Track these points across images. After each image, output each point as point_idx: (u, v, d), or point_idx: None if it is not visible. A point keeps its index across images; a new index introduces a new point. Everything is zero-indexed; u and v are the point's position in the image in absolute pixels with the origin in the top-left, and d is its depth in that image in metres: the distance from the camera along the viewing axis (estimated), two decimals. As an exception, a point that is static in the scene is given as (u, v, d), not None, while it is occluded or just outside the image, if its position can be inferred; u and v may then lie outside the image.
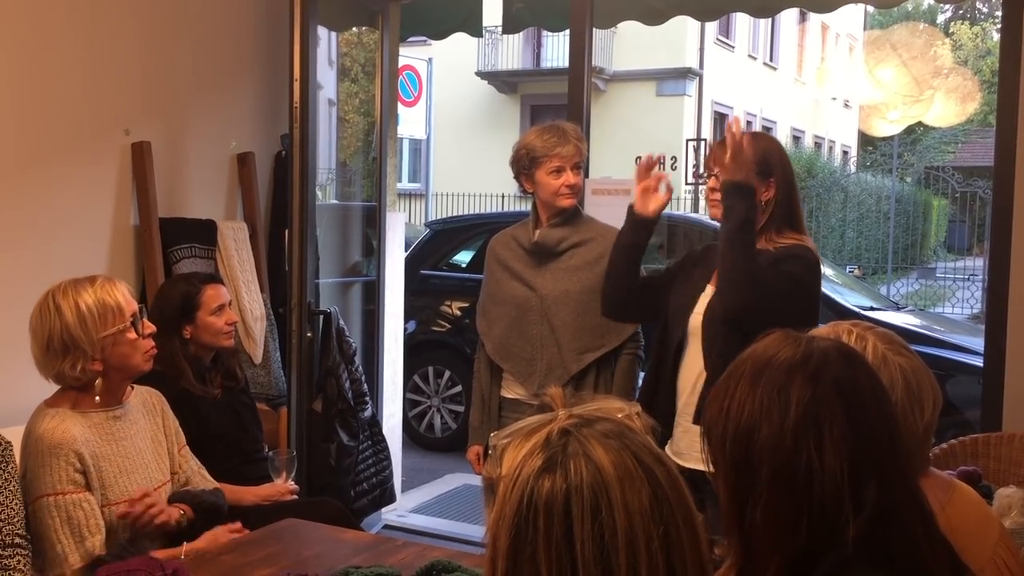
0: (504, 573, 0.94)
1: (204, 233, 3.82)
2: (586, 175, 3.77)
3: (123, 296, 2.42)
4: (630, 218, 2.62)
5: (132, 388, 2.56)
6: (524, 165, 2.89)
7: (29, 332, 2.39)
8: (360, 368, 4.16)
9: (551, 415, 1.00)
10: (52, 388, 2.44)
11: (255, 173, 4.10)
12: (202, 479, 2.68)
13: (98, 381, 2.39)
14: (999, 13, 3.24)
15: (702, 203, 2.74)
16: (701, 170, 2.63)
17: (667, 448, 2.52)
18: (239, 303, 3.80)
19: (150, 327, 2.48)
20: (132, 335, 2.41)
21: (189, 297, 2.98)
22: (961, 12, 29.90)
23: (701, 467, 1.29)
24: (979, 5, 29.35)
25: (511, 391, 2.94)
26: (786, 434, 1.16)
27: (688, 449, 2.44)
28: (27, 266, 3.16)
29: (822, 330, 1.53)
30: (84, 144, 3.45)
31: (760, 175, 2.46)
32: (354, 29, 6.29)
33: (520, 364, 2.89)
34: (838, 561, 1.13)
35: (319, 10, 4.02)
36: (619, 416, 1.01)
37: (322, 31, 4.60)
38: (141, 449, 2.50)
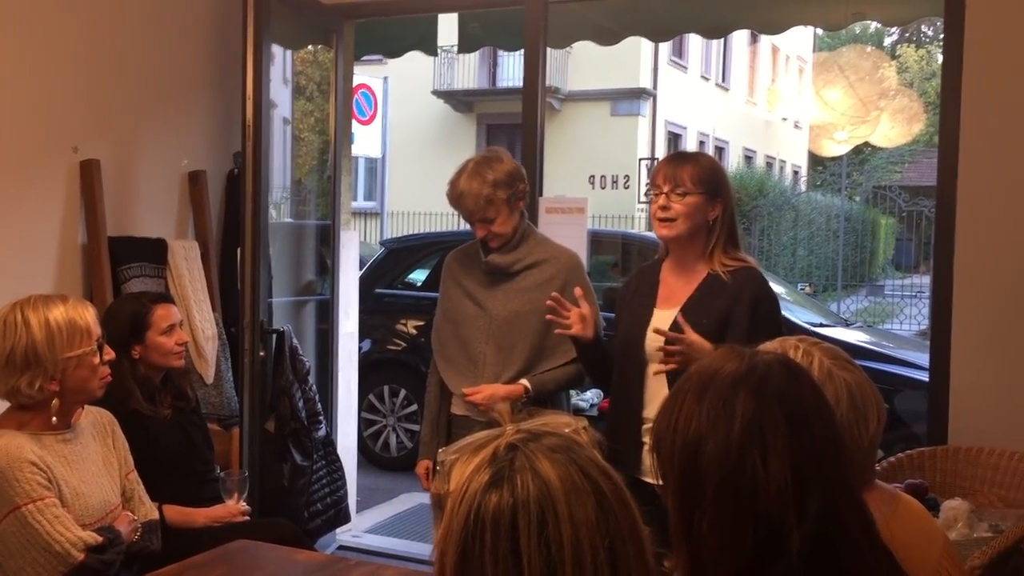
0: (452, 588, 0.94)
1: (154, 252, 3.78)
2: (540, 193, 3.80)
3: (92, 319, 2.39)
4: (576, 344, 2.66)
5: (83, 409, 2.52)
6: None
7: None
8: (314, 387, 4.13)
9: (499, 430, 1.00)
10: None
11: (207, 191, 4.06)
12: (143, 512, 2.60)
13: (55, 402, 2.34)
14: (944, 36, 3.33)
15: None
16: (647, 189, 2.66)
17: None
18: (190, 323, 3.75)
19: (110, 354, 2.46)
20: (95, 360, 2.38)
21: (139, 317, 2.94)
22: (907, 35, 30.64)
23: None
24: (924, 28, 30.07)
25: (460, 408, 2.93)
26: (731, 446, 1.18)
27: (653, 467, 2.46)
28: (-29, 285, 3.10)
29: (769, 345, 1.56)
30: (31, 162, 3.40)
31: (708, 195, 2.51)
32: (309, 47, 6.28)
33: (464, 383, 2.88)
34: (783, 572, 1.15)
35: (272, 28, 4.01)
36: (566, 431, 1.02)
37: (277, 49, 4.59)
38: (93, 472, 2.46)
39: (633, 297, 2.66)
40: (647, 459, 2.52)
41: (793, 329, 5.36)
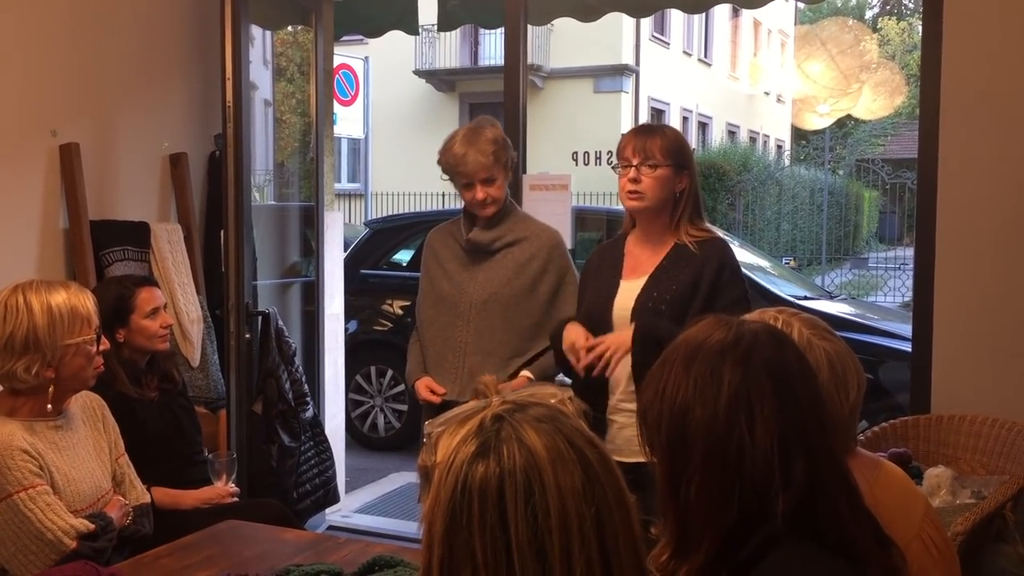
0: (440, 558, 0.95)
1: (137, 235, 3.76)
2: (523, 171, 3.80)
3: (93, 308, 2.38)
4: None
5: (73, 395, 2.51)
6: (446, 173, 2.90)
7: None
8: (300, 369, 4.13)
9: (485, 402, 1.01)
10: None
11: (188, 174, 4.04)
12: (134, 496, 2.60)
13: (51, 388, 2.33)
14: (921, 8, 3.32)
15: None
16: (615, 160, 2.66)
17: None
18: (175, 305, 3.74)
19: (106, 345, 2.45)
20: (93, 349, 2.37)
21: (122, 300, 2.93)
22: (888, 7, 30.64)
23: (641, 459, 1.31)
24: (905, 1, 30.08)
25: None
26: (719, 413, 1.19)
27: (626, 444, 2.46)
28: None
29: (748, 317, 1.57)
30: (9, 147, 3.37)
31: (676, 167, 2.52)
32: (289, 28, 6.23)
33: (444, 368, 2.86)
34: (768, 536, 1.16)
35: (250, 8, 3.98)
36: (552, 401, 1.03)
37: (257, 30, 4.55)
38: (84, 457, 2.45)
39: (597, 271, 2.65)
40: (618, 437, 2.52)
41: (776, 302, 5.39)
